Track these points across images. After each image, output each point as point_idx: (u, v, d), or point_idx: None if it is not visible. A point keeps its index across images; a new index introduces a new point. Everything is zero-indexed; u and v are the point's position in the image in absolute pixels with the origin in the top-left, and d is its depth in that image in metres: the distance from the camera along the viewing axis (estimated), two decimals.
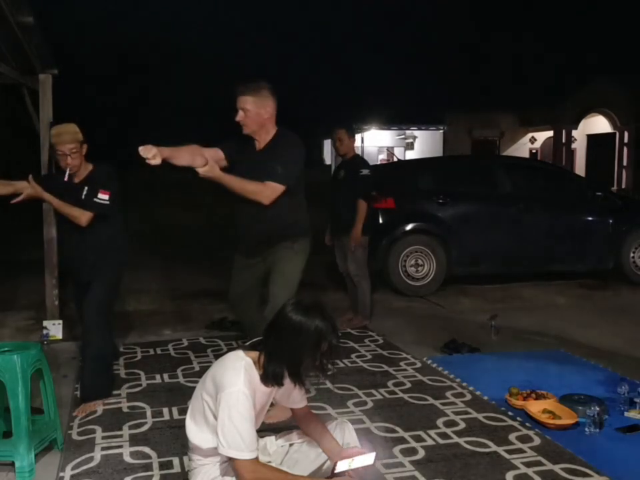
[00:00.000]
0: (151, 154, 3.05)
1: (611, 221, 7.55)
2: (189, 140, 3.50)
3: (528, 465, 3.00)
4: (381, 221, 6.87)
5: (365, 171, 5.42)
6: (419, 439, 3.29)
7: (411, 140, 26.67)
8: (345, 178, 5.54)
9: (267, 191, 3.44)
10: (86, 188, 3.78)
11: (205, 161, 3.30)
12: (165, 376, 4.29)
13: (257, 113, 3.47)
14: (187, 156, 3.35)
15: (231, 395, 2.18)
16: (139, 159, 3.06)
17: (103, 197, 3.75)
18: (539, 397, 3.71)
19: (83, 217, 3.74)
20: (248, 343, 2.42)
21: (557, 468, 2.97)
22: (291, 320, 2.23)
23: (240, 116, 3.48)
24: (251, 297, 3.87)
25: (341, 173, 5.63)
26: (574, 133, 24.05)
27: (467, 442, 3.24)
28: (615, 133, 23.87)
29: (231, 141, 3.71)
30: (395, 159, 20.26)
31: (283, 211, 3.56)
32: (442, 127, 25.42)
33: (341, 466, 2.32)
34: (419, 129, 26.13)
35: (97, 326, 3.80)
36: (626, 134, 23.65)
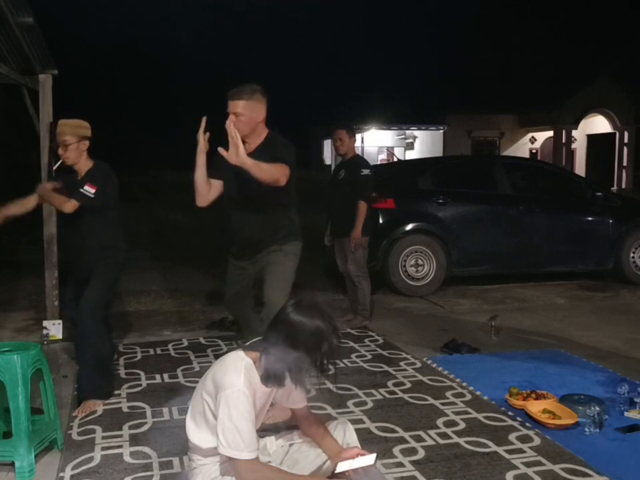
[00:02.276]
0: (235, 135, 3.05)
1: (610, 221, 7.56)
2: (191, 139, 3.52)
3: (528, 464, 3.00)
4: (381, 221, 6.87)
5: (365, 171, 5.42)
6: (419, 439, 3.29)
7: (410, 140, 26.66)
8: (345, 178, 5.53)
9: (285, 171, 3.32)
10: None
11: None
12: (165, 376, 4.29)
13: (250, 117, 3.41)
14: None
15: (231, 395, 2.18)
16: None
17: (89, 189, 3.80)
18: (539, 397, 3.71)
19: (66, 205, 3.78)
20: (248, 343, 2.42)
21: (556, 468, 2.97)
22: (291, 320, 2.22)
23: (232, 120, 3.34)
24: (244, 298, 3.90)
25: (341, 173, 5.62)
26: (574, 132, 24.07)
27: (467, 442, 3.24)
28: (614, 133, 23.89)
29: (213, 160, 3.56)
30: (395, 159, 20.26)
31: (272, 215, 3.55)
32: (442, 127, 25.41)
33: (342, 467, 2.32)
34: (419, 129, 26.12)
35: (93, 326, 3.80)
36: (626, 134, 23.67)
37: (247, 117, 3.39)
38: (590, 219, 7.59)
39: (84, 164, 3.90)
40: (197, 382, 2.46)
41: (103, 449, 3.18)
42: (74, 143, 3.83)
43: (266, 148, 3.48)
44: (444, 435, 3.33)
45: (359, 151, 6.04)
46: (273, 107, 3.91)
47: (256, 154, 3.38)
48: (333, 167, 24.48)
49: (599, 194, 7.71)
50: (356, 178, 5.40)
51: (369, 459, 2.36)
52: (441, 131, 25.56)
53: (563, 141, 23.73)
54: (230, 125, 3.12)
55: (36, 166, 5.38)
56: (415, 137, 26.62)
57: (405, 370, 4.41)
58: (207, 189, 3.57)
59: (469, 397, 3.89)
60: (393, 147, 26.30)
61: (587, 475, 2.92)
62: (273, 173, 3.27)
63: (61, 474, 2.95)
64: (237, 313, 4.01)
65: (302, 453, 2.49)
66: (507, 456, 3.09)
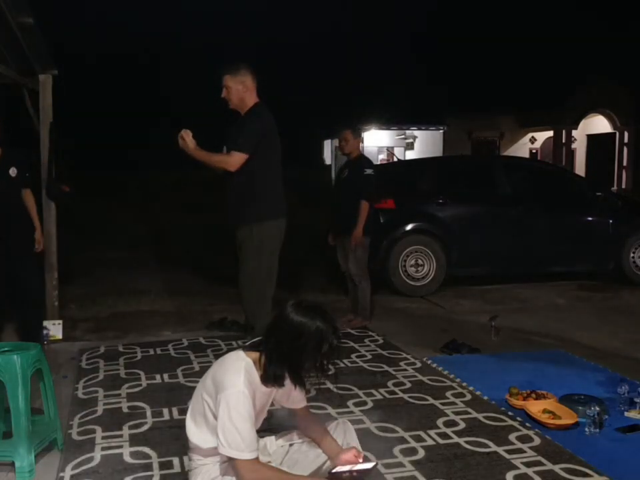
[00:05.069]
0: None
1: (610, 222, 7.55)
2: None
3: (528, 465, 3.00)
4: (381, 221, 6.87)
5: (368, 171, 5.43)
6: (419, 439, 3.29)
7: (411, 140, 26.63)
8: (347, 177, 5.55)
9: (231, 159, 3.96)
10: (14, 168, 4.49)
11: None
12: (165, 376, 4.29)
13: (235, 89, 4.01)
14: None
15: (231, 396, 2.18)
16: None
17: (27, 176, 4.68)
18: (539, 397, 3.71)
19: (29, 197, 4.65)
20: (248, 343, 2.42)
21: (556, 468, 2.97)
22: (291, 321, 2.23)
23: (223, 92, 4.04)
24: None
25: (344, 172, 5.65)
26: (574, 133, 24.05)
27: (467, 442, 3.24)
28: (615, 133, 23.88)
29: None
30: (395, 159, 20.25)
31: (241, 194, 3.99)
32: (442, 127, 25.39)
33: (340, 469, 2.33)
34: (419, 129, 26.10)
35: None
36: (626, 134, 23.66)
37: (231, 88, 4.03)
38: (590, 219, 7.59)
39: None
40: (197, 382, 2.46)
41: (103, 449, 3.18)
42: None
43: (246, 118, 4.07)
44: (444, 435, 3.33)
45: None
46: (273, 107, 4.02)
47: (240, 121, 4.07)
48: (333, 167, 24.51)
49: (599, 194, 7.71)
50: (358, 177, 5.41)
51: (368, 465, 2.37)
52: (441, 131, 25.54)
53: (563, 140, 23.71)
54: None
55: (36, 166, 5.38)
56: (414, 137, 26.58)
57: (405, 370, 4.41)
58: None
59: (469, 396, 3.89)
60: (392, 147, 26.26)
61: (586, 475, 2.92)
62: (217, 162, 4.03)
63: (61, 474, 2.95)
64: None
65: (302, 453, 2.49)
66: (506, 456, 3.09)
